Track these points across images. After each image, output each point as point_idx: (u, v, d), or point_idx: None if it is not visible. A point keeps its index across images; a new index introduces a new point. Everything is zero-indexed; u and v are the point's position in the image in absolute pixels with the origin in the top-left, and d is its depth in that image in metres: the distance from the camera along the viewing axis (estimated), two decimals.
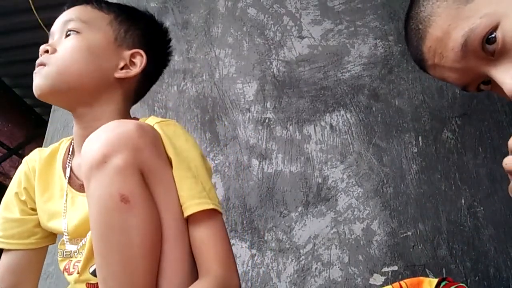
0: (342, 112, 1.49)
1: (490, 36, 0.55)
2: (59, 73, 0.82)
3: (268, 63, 1.63)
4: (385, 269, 1.27)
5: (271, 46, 1.65)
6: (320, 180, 1.41)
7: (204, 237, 0.74)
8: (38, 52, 0.86)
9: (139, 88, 0.95)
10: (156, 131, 0.77)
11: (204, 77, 1.67)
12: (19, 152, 4.85)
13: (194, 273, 0.73)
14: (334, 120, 1.48)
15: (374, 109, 1.47)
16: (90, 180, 0.68)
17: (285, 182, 1.44)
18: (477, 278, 1.22)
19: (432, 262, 1.25)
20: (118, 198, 0.67)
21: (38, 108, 4.42)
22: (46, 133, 1.80)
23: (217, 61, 1.68)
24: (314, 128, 1.49)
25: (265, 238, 1.38)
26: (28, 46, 3.31)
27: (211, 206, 0.75)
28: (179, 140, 0.79)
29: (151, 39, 0.94)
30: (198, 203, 0.74)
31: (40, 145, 1.81)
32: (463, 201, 1.30)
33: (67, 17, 0.87)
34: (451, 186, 1.32)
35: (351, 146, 1.44)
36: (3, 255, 0.90)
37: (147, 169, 0.71)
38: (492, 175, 1.32)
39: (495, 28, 0.55)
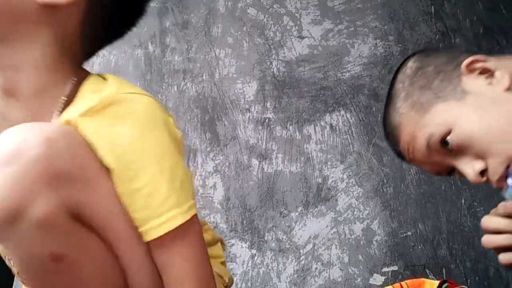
0: (342, 112, 1.49)
1: (446, 139, 0.69)
2: None
3: (268, 63, 1.63)
4: (385, 269, 1.27)
5: (271, 46, 1.65)
6: (320, 180, 1.41)
7: (171, 258, 0.60)
8: None
9: (87, 29, 0.63)
10: (73, 138, 0.55)
11: (204, 77, 1.67)
12: None
13: None
14: (334, 120, 1.48)
15: (374, 109, 1.47)
16: (4, 241, 0.54)
17: (285, 182, 1.44)
18: (477, 278, 1.22)
19: (432, 262, 1.25)
20: (48, 259, 0.52)
21: None
22: None
23: (217, 61, 1.68)
24: (314, 128, 1.49)
25: (265, 238, 1.38)
26: None
27: (178, 223, 0.58)
28: (123, 128, 0.56)
29: None
30: (158, 224, 0.57)
31: None
32: (463, 201, 1.30)
33: None
34: (451, 186, 1.32)
35: (351, 146, 1.44)
36: None
37: (76, 204, 0.54)
38: None
39: (448, 133, 0.69)
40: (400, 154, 0.80)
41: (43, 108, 0.60)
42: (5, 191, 0.48)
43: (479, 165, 0.68)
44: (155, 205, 0.57)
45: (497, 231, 0.65)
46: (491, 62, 0.72)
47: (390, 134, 0.80)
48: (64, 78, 0.61)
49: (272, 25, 1.68)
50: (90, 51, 0.69)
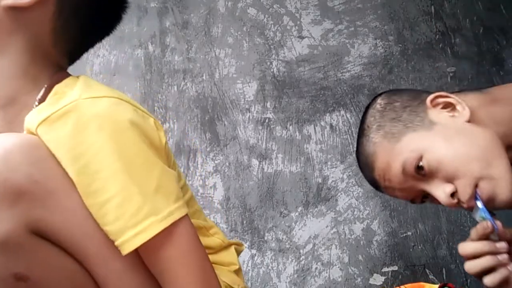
0: (342, 112, 1.49)
1: (419, 165, 0.75)
2: None
3: (268, 63, 1.63)
4: (385, 269, 1.27)
5: (271, 46, 1.65)
6: (320, 180, 1.41)
7: (165, 265, 0.56)
8: None
9: (61, 30, 0.60)
10: (32, 150, 0.51)
11: (204, 77, 1.67)
12: None
13: None
14: (334, 120, 1.48)
15: None
16: None
17: (285, 182, 1.44)
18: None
19: (432, 262, 1.25)
20: (12, 280, 0.49)
21: None
22: None
23: (217, 61, 1.68)
24: (314, 128, 1.49)
25: (265, 238, 1.38)
26: None
27: (156, 230, 0.53)
28: (85, 136, 0.52)
29: None
30: (137, 232, 0.53)
31: None
32: None
33: None
34: None
35: (351, 146, 1.44)
36: None
37: (39, 221, 0.51)
38: None
39: (420, 159, 0.75)
40: (374, 183, 0.85)
41: (17, 116, 0.58)
42: None
43: (449, 188, 0.75)
44: (128, 215, 0.52)
45: (476, 255, 0.68)
46: (452, 98, 0.79)
47: (365, 164, 0.85)
48: (38, 85, 0.58)
49: (272, 25, 1.68)
50: (71, 55, 0.65)
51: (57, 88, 0.57)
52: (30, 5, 0.56)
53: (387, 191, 0.84)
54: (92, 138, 0.52)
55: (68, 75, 0.62)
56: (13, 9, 0.56)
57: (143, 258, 0.56)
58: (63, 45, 0.62)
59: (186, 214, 0.58)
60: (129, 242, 0.53)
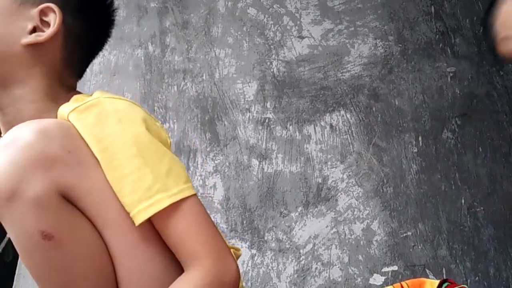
0: (342, 112, 1.49)
1: None
2: None
3: (268, 63, 1.63)
4: (385, 269, 1.27)
5: (271, 46, 1.65)
6: (320, 180, 1.41)
7: (178, 235, 0.61)
8: None
9: (69, 56, 0.73)
10: (66, 129, 0.60)
11: (204, 77, 1.67)
12: None
13: (166, 280, 0.62)
14: (334, 120, 1.48)
15: (374, 109, 1.47)
16: (2, 218, 0.57)
17: (285, 182, 1.44)
18: (477, 278, 1.22)
19: (432, 262, 1.25)
20: (39, 237, 0.55)
21: None
22: None
23: (217, 61, 1.68)
24: (314, 128, 1.49)
25: (265, 238, 1.38)
26: None
27: (165, 204, 0.60)
28: (107, 125, 0.61)
29: None
30: (149, 205, 0.59)
31: None
32: (463, 201, 1.30)
33: None
34: (451, 186, 1.32)
35: (351, 146, 1.44)
36: None
37: (66, 187, 0.58)
38: (492, 175, 1.32)
39: None
40: (491, 37, 0.80)
41: None
42: (1, 173, 0.54)
43: None
44: (142, 190, 0.59)
45: None
46: None
47: (490, 14, 0.80)
48: (56, 104, 0.67)
49: (272, 25, 1.68)
50: (78, 73, 0.78)
51: (75, 97, 0.67)
52: (45, 41, 0.68)
53: (505, 44, 0.78)
54: (112, 127, 0.61)
55: (80, 93, 0.73)
56: (31, 45, 0.68)
57: (159, 232, 0.62)
58: (72, 67, 0.74)
59: (195, 194, 0.64)
60: (141, 213, 0.59)
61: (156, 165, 0.61)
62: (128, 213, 0.60)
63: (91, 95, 0.67)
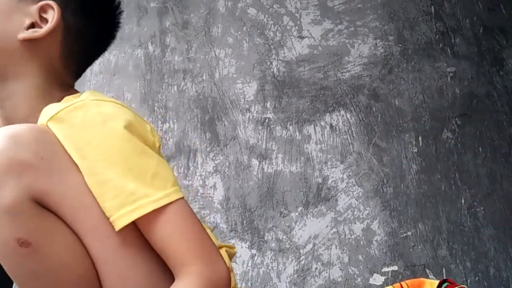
0: (342, 112, 1.49)
1: None
2: None
3: (268, 63, 1.63)
4: (385, 269, 1.27)
5: (271, 46, 1.65)
6: (320, 180, 1.41)
7: (165, 239, 0.59)
8: None
9: (69, 53, 0.72)
10: (40, 134, 0.59)
11: (204, 77, 1.67)
12: None
13: (151, 283, 0.62)
14: (334, 120, 1.48)
15: (374, 109, 1.47)
16: None
17: (285, 182, 1.44)
18: (477, 278, 1.22)
19: (432, 262, 1.25)
20: (15, 244, 0.55)
21: None
22: None
23: (217, 61, 1.68)
24: (314, 128, 1.49)
25: (265, 238, 1.38)
26: None
27: (152, 207, 0.58)
28: (90, 129, 0.60)
29: None
30: (131, 210, 0.58)
31: None
32: (463, 201, 1.30)
33: None
34: (451, 186, 1.32)
35: (351, 146, 1.44)
36: None
37: (42, 192, 0.56)
38: (492, 175, 1.32)
39: None
40: None
41: None
42: None
43: None
44: (126, 194, 0.58)
45: None
46: None
47: None
48: (51, 102, 0.65)
49: (272, 25, 1.68)
50: (77, 72, 0.77)
51: (66, 98, 0.66)
52: (42, 36, 0.68)
53: None
54: (96, 130, 0.59)
55: (77, 92, 0.72)
56: (29, 41, 0.68)
57: (145, 236, 0.60)
58: (71, 65, 0.74)
59: (183, 198, 0.62)
60: (123, 218, 0.58)
61: (140, 169, 0.60)
62: (108, 218, 0.58)
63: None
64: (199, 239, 0.61)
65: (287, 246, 1.36)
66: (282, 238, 1.37)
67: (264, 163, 1.48)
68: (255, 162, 1.49)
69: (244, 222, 1.42)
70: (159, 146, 0.68)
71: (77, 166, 0.59)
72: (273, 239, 1.38)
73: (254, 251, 1.37)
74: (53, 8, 0.69)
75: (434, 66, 1.49)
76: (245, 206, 1.44)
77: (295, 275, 1.32)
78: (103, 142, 0.59)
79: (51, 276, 0.58)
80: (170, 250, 0.60)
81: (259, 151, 1.50)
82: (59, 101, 0.66)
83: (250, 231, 1.40)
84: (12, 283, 1.53)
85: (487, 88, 1.43)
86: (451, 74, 1.47)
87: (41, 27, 0.68)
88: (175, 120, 1.61)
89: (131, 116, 0.63)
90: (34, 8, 0.69)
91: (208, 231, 0.80)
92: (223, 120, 1.58)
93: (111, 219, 0.58)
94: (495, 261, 1.22)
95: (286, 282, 1.32)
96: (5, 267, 0.58)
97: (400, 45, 1.54)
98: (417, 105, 1.45)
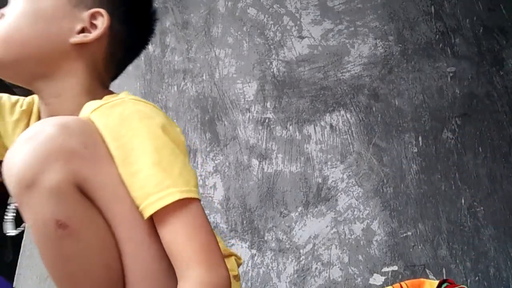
0: (342, 112, 1.49)
1: None
2: (3, 41, 0.72)
3: (268, 63, 1.63)
4: (385, 269, 1.27)
5: (271, 46, 1.65)
6: (320, 180, 1.41)
7: (173, 235, 0.62)
8: None
9: (111, 57, 0.79)
10: (86, 126, 0.64)
11: (204, 77, 1.67)
12: None
13: (169, 278, 0.64)
14: (334, 120, 1.48)
15: (374, 109, 1.47)
16: (21, 207, 0.60)
17: (285, 182, 1.44)
18: (477, 278, 1.22)
19: (432, 262, 1.25)
20: (53, 225, 0.58)
21: None
22: None
23: (217, 61, 1.68)
24: (314, 128, 1.49)
25: (265, 238, 1.38)
26: None
27: (174, 198, 0.62)
28: (127, 123, 0.65)
29: None
30: (156, 199, 0.62)
31: None
32: (463, 201, 1.30)
33: None
34: (451, 186, 1.32)
35: (351, 146, 1.44)
36: None
37: (83, 179, 0.61)
38: (492, 175, 1.32)
39: None
40: None
41: None
42: (23, 163, 0.58)
43: None
44: (153, 184, 0.62)
45: None
46: None
47: None
48: (94, 98, 0.72)
49: (272, 25, 1.68)
50: (114, 74, 0.85)
51: (106, 96, 0.72)
52: (90, 42, 0.74)
53: None
54: (133, 125, 0.65)
55: (114, 92, 0.79)
56: (78, 44, 0.74)
57: (157, 227, 0.64)
58: (111, 68, 0.81)
59: (200, 200, 0.66)
60: (150, 206, 0.61)
61: (169, 164, 0.64)
62: (137, 208, 0.62)
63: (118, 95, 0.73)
64: (207, 242, 0.64)
65: (287, 246, 1.36)
66: (282, 238, 1.37)
67: (264, 163, 1.48)
68: (255, 162, 1.49)
69: (244, 222, 1.42)
70: (187, 151, 0.73)
71: (111, 158, 0.63)
72: (273, 239, 1.38)
73: (254, 251, 1.37)
74: (102, 16, 0.75)
75: (434, 66, 1.49)
76: (245, 206, 1.44)
77: (295, 275, 1.32)
78: (137, 136, 0.64)
79: (80, 261, 0.61)
80: (178, 247, 0.62)
81: (259, 151, 1.50)
82: (100, 99, 0.70)
83: (250, 231, 1.40)
84: (12, 282, 1.53)
85: (487, 88, 1.43)
86: (451, 74, 1.47)
87: (90, 32, 0.75)
88: (175, 120, 1.61)
89: (164, 119, 0.69)
90: (86, 14, 0.75)
91: (218, 238, 0.81)
92: (223, 120, 1.58)
93: (140, 208, 0.62)
94: (495, 261, 1.22)
95: (286, 282, 1.32)
96: (38, 246, 0.61)
97: (400, 45, 1.54)
98: (417, 105, 1.45)
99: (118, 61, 0.82)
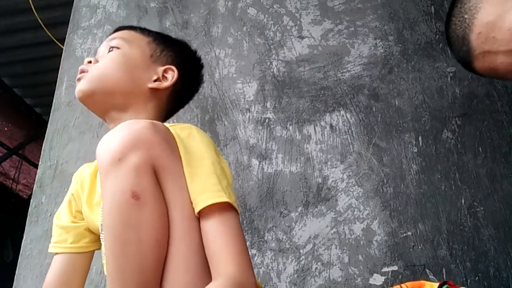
0: (342, 112, 1.49)
1: None
2: (98, 77, 0.94)
3: (268, 63, 1.63)
4: (385, 269, 1.27)
5: (271, 46, 1.65)
6: (320, 180, 1.41)
7: (216, 234, 0.74)
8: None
9: (169, 103, 1.03)
10: (169, 130, 0.81)
11: (204, 77, 1.67)
12: (19, 152, 4.84)
13: (204, 273, 0.73)
14: (334, 120, 1.48)
15: (374, 109, 1.47)
16: (106, 177, 0.72)
17: (285, 182, 1.44)
18: (477, 278, 1.22)
19: (432, 262, 1.25)
20: (129, 194, 0.71)
21: (38, 108, 4.42)
22: (46, 133, 1.80)
23: (217, 61, 1.68)
24: (314, 128, 1.49)
25: (265, 238, 1.38)
26: (28, 46, 3.31)
27: (224, 199, 0.75)
28: (193, 141, 0.83)
29: (183, 61, 1.05)
30: (209, 196, 0.75)
31: (40, 145, 1.81)
32: (463, 201, 1.30)
33: (111, 37, 1.01)
34: (451, 186, 1.32)
35: (351, 146, 1.44)
36: (53, 260, 0.94)
37: (159, 165, 0.74)
38: (492, 175, 1.32)
39: None
40: (463, 51, 0.70)
41: None
42: (118, 143, 0.73)
43: None
44: (210, 184, 0.77)
45: None
46: None
47: (458, 22, 0.70)
48: None
49: (272, 25, 1.68)
50: (170, 114, 1.07)
51: (170, 124, 0.90)
52: (162, 88, 0.98)
53: (484, 59, 0.68)
54: (195, 143, 0.83)
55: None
56: (153, 89, 0.98)
57: (202, 225, 0.75)
58: (169, 107, 1.04)
59: (239, 214, 0.79)
60: (204, 200, 0.75)
61: (221, 175, 0.80)
62: (191, 204, 0.75)
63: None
64: (243, 249, 0.75)
65: (287, 246, 1.36)
66: (282, 238, 1.37)
67: (264, 163, 1.48)
68: (255, 162, 1.49)
69: (244, 222, 1.42)
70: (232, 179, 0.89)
71: (180, 157, 0.78)
72: (273, 239, 1.38)
73: (254, 251, 1.37)
74: (173, 71, 1.00)
75: (434, 66, 1.49)
76: (245, 206, 1.44)
77: (295, 275, 1.32)
78: (200, 151, 0.82)
79: (138, 230, 0.71)
80: (219, 247, 0.73)
81: (259, 151, 1.50)
82: None
83: (250, 231, 1.40)
84: (12, 282, 1.53)
85: (487, 88, 1.43)
86: (451, 74, 1.47)
87: (161, 82, 0.98)
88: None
89: (217, 150, 0.87)
90: (161, 68, 1.00)
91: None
92: (223, 120, 1.58)
93: (194, 201, 0.75)
94: (495, 261, 1.22)
95: (286, 282, 1.32)
96: (109, 211, 0.72)
97: (400, 45, 1.54)
98: (417, 105, 1.44)
99: (174, 105, 1.05)
